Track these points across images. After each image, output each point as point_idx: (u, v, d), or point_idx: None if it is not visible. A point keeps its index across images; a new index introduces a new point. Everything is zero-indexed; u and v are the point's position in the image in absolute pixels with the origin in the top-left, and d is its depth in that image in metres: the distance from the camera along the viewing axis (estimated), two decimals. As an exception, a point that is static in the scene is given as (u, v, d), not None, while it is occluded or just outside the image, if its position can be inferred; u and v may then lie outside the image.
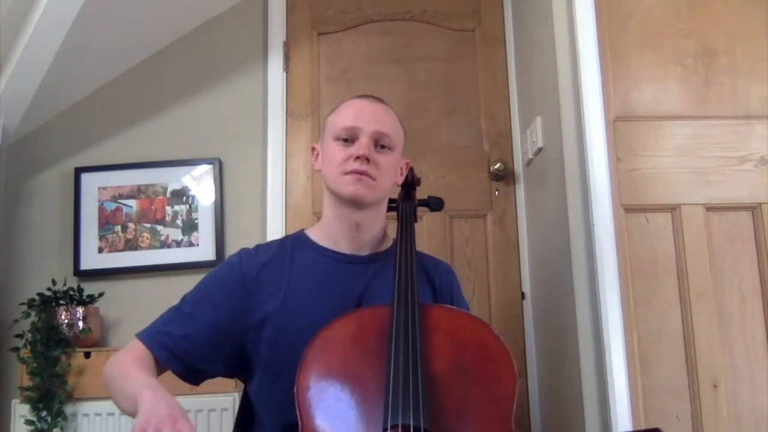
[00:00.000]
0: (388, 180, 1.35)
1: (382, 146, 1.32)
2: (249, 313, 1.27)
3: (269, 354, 1.25)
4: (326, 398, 1.10)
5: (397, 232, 1.41)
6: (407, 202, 1.53)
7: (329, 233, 1.36)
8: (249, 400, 1.33)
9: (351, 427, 1.06)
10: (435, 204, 1.66)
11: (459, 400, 1.10)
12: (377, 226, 1.38)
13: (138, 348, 1.24)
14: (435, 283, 1.41)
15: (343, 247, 1.35)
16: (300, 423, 1.07)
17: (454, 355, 1.16)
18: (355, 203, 1.31)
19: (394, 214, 1.52)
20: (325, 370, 1.14)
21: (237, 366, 1.30)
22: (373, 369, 1.11)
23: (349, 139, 1.31)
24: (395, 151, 1.35)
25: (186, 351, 1.24)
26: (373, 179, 1.29)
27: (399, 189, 1.55)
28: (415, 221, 1.49)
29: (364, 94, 1.40)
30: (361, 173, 1.28)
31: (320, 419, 1.07)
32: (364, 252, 1.36)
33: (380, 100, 1.39)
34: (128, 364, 1.19)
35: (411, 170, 1.55)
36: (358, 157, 1.28)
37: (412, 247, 1.35)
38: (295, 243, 1.38)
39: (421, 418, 1.01)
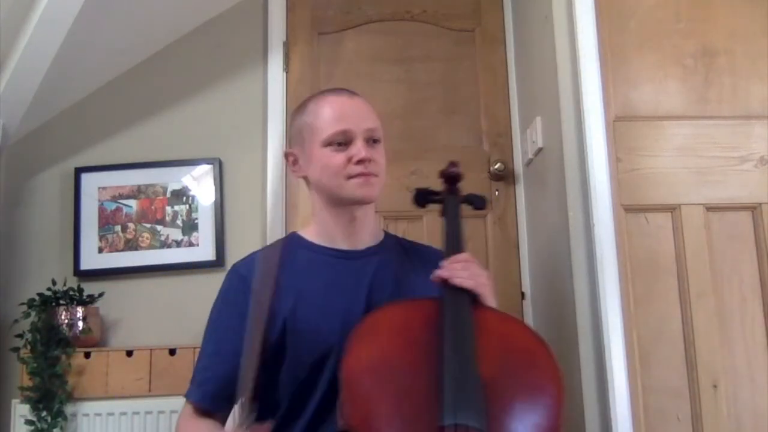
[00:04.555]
0: (385, 169, 1.35)
1: (375, 140, 1.32)
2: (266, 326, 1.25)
3: (288, 361, 1.24)
4: (372, 383, 1.08)
5: (445, 229, 1.38)
6: (453, 197, 1.48)
7: (324, 232, 1.35)
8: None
9: (400, 417, 1.04)
10: (479, 202, 1.59)
11: (507, 407, 1.07)
12: (371, 218, 1.38)
13: (194, 412, 1.26)
14: (428, 265, 1.35)
15: (341, 244, 1.34)
16: (344, 404, 1.05)
17: (502, 361, 1.12)
18: (364, 203, 1.32)
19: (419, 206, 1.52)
20: (371, 355, 1.12)
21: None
22: (421, 362, 1.09)
23: (343, 143, 1.28)
24: (382, 142, 1.34)
25: (219, 388, 1.24)
26: (377, 175, 1.30)
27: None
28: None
29: (333, 89, 1.37)
30: (367, 175, 1.28)
31: (367, 403, 1.05)
32: (362, 246, 1.35)
33: (352, 92, 1.36)
34: None
35: (455, 165, 1.52)
36: (359, 161, 1.27)
37: (461, 243, 1.33)
38: (290, 245, 1.36)
39: (482, 420, 0.99)
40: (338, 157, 1.28)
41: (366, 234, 1.36)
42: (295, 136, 1.37)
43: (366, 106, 1.34)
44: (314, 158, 1.31)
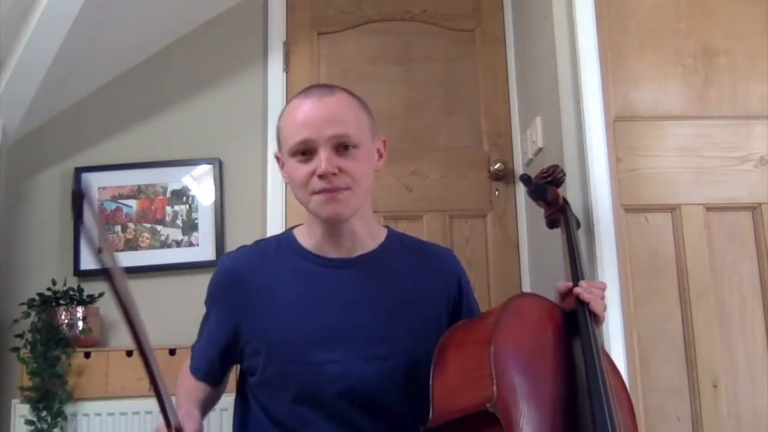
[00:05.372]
0: (365, 179, 1.21)
1: (346, 147, 1.17)
2: (240, 328, 1.24)
3: (264, 366, 1.22)
4: (521, 373, 1.09)
5: (570, 244, 1.40)
6: (569, 208, 1.50)
7: (313, 238, 1.26)
8: (246, 396, 1.30)
9: (537, 417, 1.05)
10: (577, 224, 1.59)
11: None
12: (361, 227, 1.26)
13: (189, 374, 1.34)
14: (435, 270, 1.32)
15: (330, 252, 1.24)
16: (495, 386, 1.03)
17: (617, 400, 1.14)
18: (333, 222, 1.21)
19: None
20: (520, 344, 1.13)
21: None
22: (552, 368, 1.13)
23: (306, 153, 1.16)
24: (362, 145, 1.19)
25: (207, 371, 1.31)
26: (347, 188, 1.16)
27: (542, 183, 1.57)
28: None
29: (310, 87, 1.25)
30: (331, 191, 1.15)
31: (516, 392, 1.05)
32: (354, 253, 1.25)
33: (329, 89, 1.22)
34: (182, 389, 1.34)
35: (560, 170, 1.54)
36: (321, 176, 1.14)
37: (584, 267, 1.35)
38: (282, 246, 1.29)
39: None
40: (302, 170, 1.17)
41: (358, 242, 1.26)
42: (278, 139, 1.26)
43: (337, 109, 1.19)
44: (287, 168, 1.23)
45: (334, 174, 1.15)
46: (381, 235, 1.31)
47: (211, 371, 1.31)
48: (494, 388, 1.02)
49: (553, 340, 1.17)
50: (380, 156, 1.27)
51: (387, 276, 1.26)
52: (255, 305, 1.23)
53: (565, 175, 1.58)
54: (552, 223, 1.60)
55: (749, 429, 1.65)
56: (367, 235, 1.27)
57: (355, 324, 1.21)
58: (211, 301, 1.30)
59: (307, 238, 1.27)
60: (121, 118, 2.38)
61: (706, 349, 1.68)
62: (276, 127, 1.27)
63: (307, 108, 1.18)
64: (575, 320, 1.21)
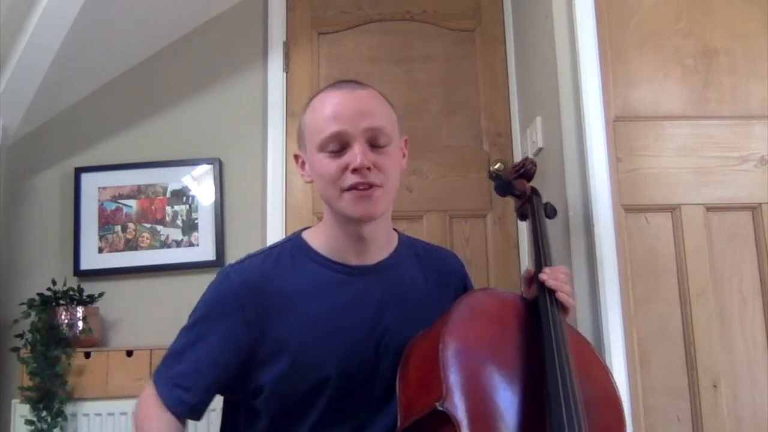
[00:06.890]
0: (395, 178, 1.17)
1: (379, 142, 1.14)
2: (257, 346, 1.14)
3: (282, 382, 1.14)
4: (472, 363, 1.06)
5: (537, 232, 1.36)
6: (538, 198, 1.48)
7: (333, 244, 1.20)
8: (234, 403, 1.25)
9: (497, 406, 1.03)
10: (552, 212, 1.56)
11: None
12: (384, 232, 1.23)
13: (159, 404, 1.17)
14: (444, 275, 1.31)
15: (351, 258, 1.19)
16: (444, 384, 1.01)
17: (585, 387, 1.09)
18: (363, 222, 1.16)
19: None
20: (472, 336, 1.09)
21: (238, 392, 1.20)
22: (515, 358, 1.10)
23: (338, 148, 1.11)
24: (393, 142, 1.16)
25: (198, 402, 1.16)
26: (380, 186, 1.12)
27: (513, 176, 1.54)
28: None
29: (338, 81, 1.19)
30: (365, 185, 1.11)
31: (467, 388, 1.02)
32: (374, 260, 1.21)
33: (359, 83, 1.18)
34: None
35: (534, 163, 1.51)
36: (354, 170, 1.10)
37: (550, 249, 1.31)
38: (296, 253, 1.21)
39: None
40: (332, 165, 1.11)
41: (378, 248, 1.21)
42: (300, 136, 1.21)
43: (371, 102, 1.15)
44: (312, 164, 1.16)
45: (369, 169, 1.10)
46: (394, 240, 1.27)
47: (200, 404, 1.16)
48: (443, 386, 1.01)
49: (517, 332, 1.14)
50: (403, 155, 1.25)
51: (405, 283, 1.24)
52: (276, 318, 1.14)
53: (535, 166, 1.55)
54: (523, 216, 1.56)
55: (749, 429, 1.65)
56: (386, 241, 1.24)
57: (382, 334, 1.18)
58: (217, 317, 1.15)
59: (322, 243, 1.21)
60: (121, 118, 2.38)
61: (706, 349, 1.68)
62: (301, 122, 1.21)
63: (338, 100, 1.14)
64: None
